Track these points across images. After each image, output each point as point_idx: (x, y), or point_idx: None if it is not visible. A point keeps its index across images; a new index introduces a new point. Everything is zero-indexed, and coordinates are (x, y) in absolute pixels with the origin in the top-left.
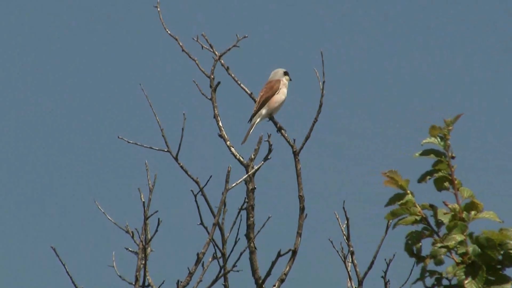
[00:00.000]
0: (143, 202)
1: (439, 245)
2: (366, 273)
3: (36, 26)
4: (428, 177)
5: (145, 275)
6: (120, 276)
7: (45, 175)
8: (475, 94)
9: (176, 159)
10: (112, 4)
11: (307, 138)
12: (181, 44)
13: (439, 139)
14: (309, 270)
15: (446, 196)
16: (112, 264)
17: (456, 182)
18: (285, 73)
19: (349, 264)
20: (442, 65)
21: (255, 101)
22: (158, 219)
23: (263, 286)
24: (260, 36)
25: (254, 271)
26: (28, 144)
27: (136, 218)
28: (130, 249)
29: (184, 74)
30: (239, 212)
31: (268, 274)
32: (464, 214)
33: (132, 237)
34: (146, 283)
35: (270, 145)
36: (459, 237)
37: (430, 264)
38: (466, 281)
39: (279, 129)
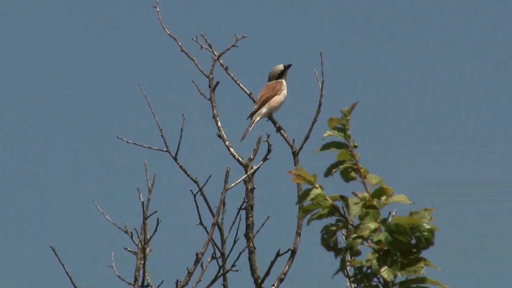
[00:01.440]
0: (142, 202)
1: (353, 236)
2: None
3: (35, 25)
4: (334, 169)
5: (144, 275)
6: (119, 276)
7: (44, 174)
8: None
9: (175, 159)
10: (111, 3)
11: (306, 138)
12: (180, 44)
13: (338, 131)
14: (308, 270)
15: (355, 186)
16: (111, 264)
17: (362, 170)
18: (282, 73)
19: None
20: (446, 68)
21: (254, 101)
22: (157, 219)
23: (262, 285)
24: (259, 36)
25: (253, 271)
26: (27, 144)
27: (135, 218)
28: (129, 249)
29: (183, 74)
30: (238, 212)
31: (267, 273)
32: (375, 201)
33: (131, 237)
34: (146, 283)
35: (270, 145)
36: (372, 225)
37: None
38: (382, 270)
39: (279, 129)
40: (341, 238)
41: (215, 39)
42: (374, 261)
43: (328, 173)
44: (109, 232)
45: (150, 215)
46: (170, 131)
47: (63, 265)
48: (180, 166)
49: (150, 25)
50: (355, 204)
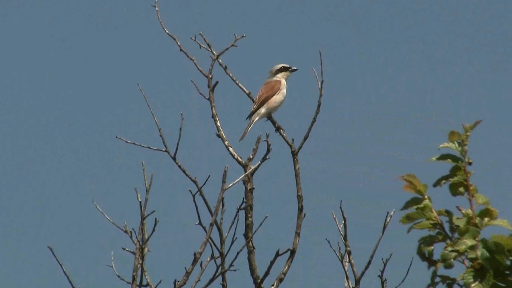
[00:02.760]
0: (140, 202)
1: (449, 248)
2: (363, 273)
3: (34, 25)
4: (444, 181)
5: (142, 275)
6: (118, 276)
7: (43, 174)
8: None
9: (174, 159)
10: (110, 3)
11: (305, 138)
12: (179, 43)
13: (456, 144)
14: (307, 269)
15: (461, 201)
16: (110, 264)
17: (471, 188)
18: (281, 69)
19: (346, 263)
20: (446, 68)
21: (253, 100)
22: (155, 219)
23: (262, 285)
24: (258, 35)
25: (252, 271)
26: (27, 144)
27: (135, 218)
28: (127, 249)
29: (182, 73)
30: (237, 212)
31: (267, 273)
32: (477, 220)
33: (131, 237)
34: (145, 283)
35: (269, 145)
36: (470, 242)
37: (442, 270)
38: (473, 285)
39: (278, 129)
40: (437, 252)
41: (214, 39)
42: (468, 275)
43: (437, 183)
44: (109, 232)
45: (148, 215)
46: (169, 131)
47: (61, 265)
48: (179, 166)
49: (149, 24)
50: (458, 219)
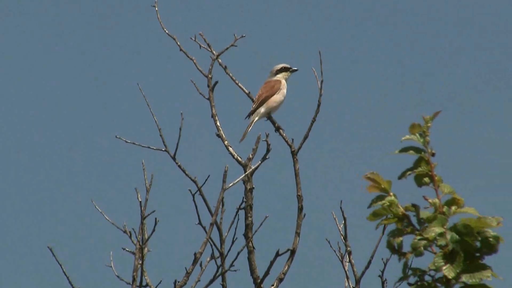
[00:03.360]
0: (140, 202)
1: (418, 237)
2: (363, 273)
3: (34, 25)
4: (409, 173)
5: (142, 275)
6: (118, 276)
7: (43, 174)
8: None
9: (174, 158)
10: (110, 3)
11: (305, 138)
12: (179, 43)
13: (418, 136)
14: (307, 269)
15: (427, 192)
16: (110, 264)
17: (436, 178)
18: (282, 70)
19: (347, 263)
20: (448, 66)
21: (252, 100)
22: (155, 219)
23: (262, 285)
24: (257, 35)
25: (252, 271)
26: (26, 144)
27: (134, 218)
28: (127, 249)
29: (181, 73)
30: (237, 212)
31: (267, 273)
32: (444, 209)
33: (130, 237)
34: (145, 283)
35: (269, 145)
36: (438, 229)
37: (414, 262)
38: (444, 267)
39: (278, 129)
40: (406, 245)
41: (214, 39)
42: (437, 259)
43: (402, 176)
44: (108, 232)
45: (148, 215)
46: (168, 131)
47: (60, 265)
48: (179, 166)
49: (149, 24)
50: (425, 208)
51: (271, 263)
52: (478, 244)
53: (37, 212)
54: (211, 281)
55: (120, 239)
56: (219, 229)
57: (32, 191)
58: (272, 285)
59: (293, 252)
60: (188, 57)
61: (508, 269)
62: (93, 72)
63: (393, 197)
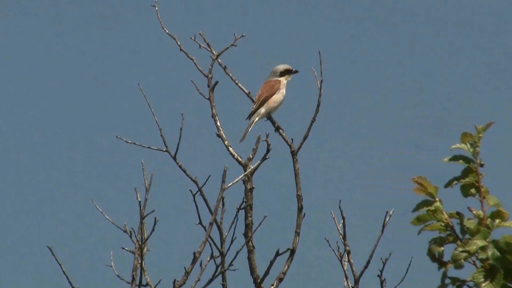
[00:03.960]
0: (139, 201)
1: (460, 249)
2: (362, 272)
3: (34, 24)
4: (455, 182)
5: (141, 275)
6: (118, 276)
7: (43, 174)
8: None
9: (174, 158)
10: (110, 3)
11: (305, 138)
12: (179, 43)
13: (469, 146)
14: (306, 269)
15: (472, 203)
16: (110, 263)
17: (482, 189)
18: (285, 72)
19: (346, 263)
20: (449, 66)
21: (252, 100)
22: (155, 218)
23: (262, 285)
24: (257, 35)
25: (252, 270)
26: (27, 143)
27: (135, 218)
28: (127, 248)
29: (182, 73)
30: (237, 212)
31: (267, 273)
32: (488, 221)
33: (130, 236)
34: (145, 283)
35: (268, 145)
36: (480, 243)
37: (452, 271)
38: (483, 284)
39: (277, 129)
40: (447, 253)
41: (214, 39)
42: (478, 275)
43: (448, 184)
44: (108, 232)
45: (147, 214)
46: (169, 131)
47: (60, 265)
48: (180, 166)
49: (149, 24)
50: (469, 219)
51: (271, 262)
52: None
53: (37, 212)
54: (210, 281)
55: (120, 239)
56: (219, 228)
57: (32, 191)
58: (272, 285)
59: (293, 251)
60: (188, 57)
61: None
62: (93, 72)
63: (438, 203)
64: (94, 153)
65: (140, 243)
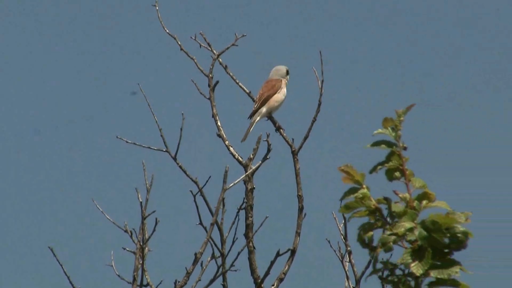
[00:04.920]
0: (140, 202)
1: (388, 232)
2: (363, 273)
3: (35, 24)
4: (380, 167)
5: (142, 275)
6: (119, 276)
7: (43, 174)
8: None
9: (174, 159)
10: (111, 2)
11: (306, 138)
12: (179, 43)
13: (390, 130)
14: (307, 269)
15: (398, 187)
16: (111, 263)
17: (407, 172)
18: (287, 72)
19: (347, 263)
20: (449, 65)
21: (253, 100)
22: (156, 219)
23: (262, 285)
24: (258, 35)
25: (253, 271)
26: (27, 143)
27: (136, 218)
28: (128, 248)
29: (182, 73)
30: (238, 212)
31: (267, 273)
32: (415, 203)
33: (131, 236)
34: (146, 283)
35: (269, 145)
36: (408, 224)
37: (383, 254)
38: (412, 264)
39: (278, 129)
40: (377, 238)
41: (215, 38)
42: (406, 255)
43: (373, 170)
44: (109, 232)
45: (149, 215)
46: (169, 131)
47: (61, 265)
48: (180, 166)
49: (150, 24)
50: (395, 202)
51: (272, 263)
52: (446, 240)
53: (37, 212)
54: (212, 281)
55: (120, 239)
56: (219, 229)
57: (32, 191)
58: (273, 285)
59: (293, 252)
60: (188, 56)
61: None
62: (93, 72)
63: (366, 190)
64: (94, 153)
65: (141, 244)
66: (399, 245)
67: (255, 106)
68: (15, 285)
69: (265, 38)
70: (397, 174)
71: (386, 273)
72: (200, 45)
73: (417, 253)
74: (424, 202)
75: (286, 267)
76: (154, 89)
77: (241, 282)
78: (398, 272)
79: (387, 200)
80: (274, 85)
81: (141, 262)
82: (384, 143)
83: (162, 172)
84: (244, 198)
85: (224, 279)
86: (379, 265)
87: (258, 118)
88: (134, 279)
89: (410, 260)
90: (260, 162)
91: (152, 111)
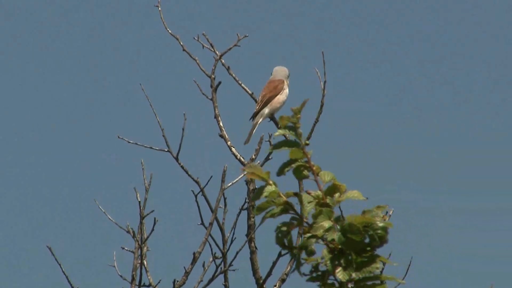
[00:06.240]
0: (139, 201)
1: (307, 235)
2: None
3: (35, 23)
4: (286, 168)
5: (141, 274)
6: (121, 276)
7: (43, 174)
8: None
9: (176, 159)
10: (113, 2)
11: (308, 139)
12: (181, 43)
13: (289, 129)
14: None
15: (309, 185)
16: (112, 263)
17: (314, 168)
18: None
19: None
20: (451, 67)
21: (255, 101)
22: (154, 218)
23: (264, 286)
24: (261, 35)
25: (255, 271)
26: (27, 143)
27: (136, 218)
28: (127, 248)
29: (184, 73)
30: (239, 212)
31: (269, 274)
32: (328, 199)
33: (133, 236)
34: (147, 283)
35: (271, 145)
36: (326, 224)
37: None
38: (336, 271)
39: None
40: (296, 237)
41: (217, 39)
42: (328, 261)
43: (280, 172)
44: (109, 232)
45: (147, 214)
46: (171, 131)
47: (60, 265)
48: (182, 166)
49: (152, 24)
50: (309, 202)
51: (274, 263)
52: (367, 239)
53: (37, 212)
54: (210, 281)
55: (120, 239)
56: (221, 229)
57: (32, 191)
58: (275, 286)
59: None
60: (191, 57)
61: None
62: (95, 72)
63: (273, 186)
64: (95, 153)
65: (140, 243)
66: (319, 243)
67: (257, 107)
68: (15, 285)
69: (268, 39)
70: (305, 172)
71: (309, 267)
72: (203, 46)
73: (339, 257)
74: (336, 195)
75: (288, 268)
76: (156, 89)
77: (243, 282)
78: (322, 268)
79: (297, 194)
80: (277, 86)
81: (140, 261)
82: (285, 143)
83: (164, 172)
84: (245, 199)
85: (226, 279)
86: (302, 261)
87: (260, 119)
88: (133, 279)
89: (331, 266)
90: (258, 162)
91: (154, 111)
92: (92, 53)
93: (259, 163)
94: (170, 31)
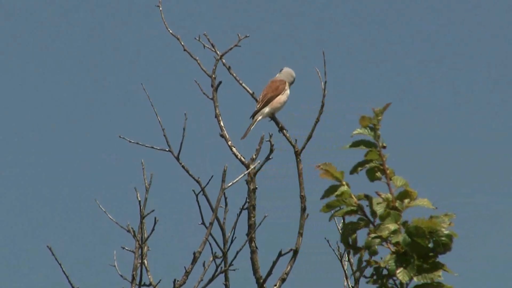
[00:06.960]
0: (139, 201)
1: (373, 235)
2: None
3: (37, 23)
4: (360, 168)
5: (141, 274)
6: (121, 276)
7: (43, 174)
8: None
9: (177, 158)
10: (114, 2)
11: (309, 138)
12: (182, 43)
13: (369, 130)
14: (306, 269)
15: (379, 186)
16: (113, 263)
17: (388, 171)
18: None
19: (346, 263)
20: (450, 66)
21: (256, 100)
22: (155, 218)
23: (264, 285)
24: (261, 35)
25: (255, 271)
26: (28, 143)
27: (136, 218)
28: (127, 248)
29: (185, 73)
30: (240, 212)
31: (269, 273)
32: (397, 203)
33: (133, 236)
34: (147, 282)
35: (272, 145)
36: (392, 226)
37: (368, 255)
38: (397, 271)
39: (281, 129)
40: (361, 238)
41: (218, 39)
42: (391, 261)
43: (354, 170)
44: (111, 231)
45: (147, 214)
46: (172, 131)
47: (60, 265)
48: (183, 166)
49: (153, 24)
50: (378, 204)
51: (274, 263)
52: (431, 244)
53: (37, 212)
54: (211, 280)
55: (121, 239)
56: (222, 228)
57: (32, 191)
58: (275, 285)
59: (296, 252)
60: (192, 57)
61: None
62: (96, 72)
63: (346, 187)
64: (96, 153)
65: (140, 243)
66: (383, 246)
67: (258, 106)
68: (15, 285)
69: (269, 39)
70: (378, 174)
71: (370, 270)
72: (204, 46)
73: (402, 259)
74: (406, 201)
75: (288, 267)
76: (157, 89)
77: (243, 282)
78: (383, 271)
79: (367, 197)
80: (278, 87)
81: (140, 261)
82: (363, 143)
83: (164, 172)
84: (246, 198)
85: (226, 279)
86: (364, 264)
87: (260, 117)
88: (133, 278)
89: (394, 266)
90: (258, 161)
91: (155, 111)
92: (92, 53)
93: (259, 162)
94: (171, 31)
